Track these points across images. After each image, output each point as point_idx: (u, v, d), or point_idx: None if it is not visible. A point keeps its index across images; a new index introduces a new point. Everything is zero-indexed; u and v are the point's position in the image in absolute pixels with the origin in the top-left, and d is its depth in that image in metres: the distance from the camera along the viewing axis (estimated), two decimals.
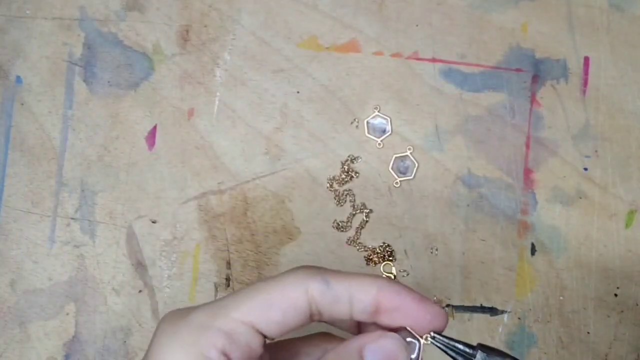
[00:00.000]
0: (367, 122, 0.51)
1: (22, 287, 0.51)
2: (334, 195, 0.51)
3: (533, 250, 0.50)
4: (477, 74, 0.51)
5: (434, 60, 0.52)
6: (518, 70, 0.51)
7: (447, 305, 0.50)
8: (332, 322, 0.34)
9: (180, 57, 0.52)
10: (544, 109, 0.51)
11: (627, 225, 0.50)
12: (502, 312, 0.49)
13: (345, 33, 0.52)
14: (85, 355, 0.51)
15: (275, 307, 0.30)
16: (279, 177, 0.51)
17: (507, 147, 0.51)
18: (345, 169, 0.51)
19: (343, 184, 0.51)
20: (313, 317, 0.32)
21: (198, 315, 0.31)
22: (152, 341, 0.31)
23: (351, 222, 0.51)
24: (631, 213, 0.50)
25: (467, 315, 0.49)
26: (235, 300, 0.31)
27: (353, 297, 0.31)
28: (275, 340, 0.32)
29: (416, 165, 0.51)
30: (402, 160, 0.50)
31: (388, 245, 0.50)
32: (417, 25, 0.52)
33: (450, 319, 0.49)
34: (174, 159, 0.52)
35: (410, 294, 0.31)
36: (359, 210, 0.51)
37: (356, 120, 0.51)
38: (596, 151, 0.50)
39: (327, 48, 0.52)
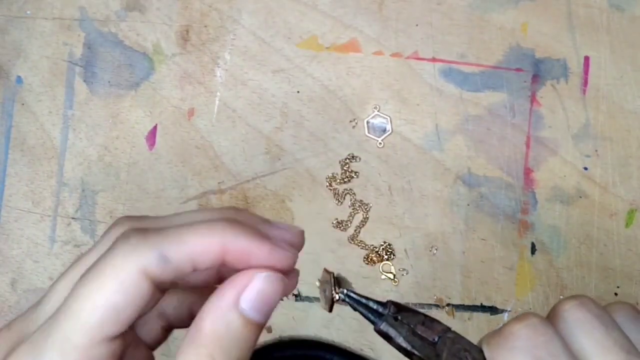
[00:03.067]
0: (367, 122, 0.51)
1: (23, 287, 0.51)
2: (334, 195, 0.51)
3: (533, 250, 0.50)
4: (477, 74, 0.51)
5: (434, 60, 0.52)
6: (518, 70, 0.51)
7: (448, 305, 0.50)
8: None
9: (180, 57, 0.52)
10: (544, 108, 0.51)
11: (627, 225, 0.50)
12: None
13: (345, 33, 0.52)
14: None
15: (108, 308, 0.25)
16: (279, 177, 0.51)
17: (507, 147, 0.51)
18: (345, 169, 0.51)
19: (343, 183, 0.51)
20: (160, 289, 0.27)
21: (15, 322, 0.27)
22: None
23: (351, 221, 0.51)
24: (631, 212, 0.50)
25: (467, 314, 0.49)
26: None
27: (197, 262, 0.26)
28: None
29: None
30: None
31: (389, 245, 0.50)
32: (417, 25, 0.52)
33: (450, 317, 0.49)
34: (174, 159, 0.52)
35: (255, 241, 0.27)
36: (358, 209, 0.51)
37: (355, 120, 0.51)
38: (596, 150, 0.50)
39: (327, 48, 0.52)
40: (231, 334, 0.26)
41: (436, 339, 0.29)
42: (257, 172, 0.51)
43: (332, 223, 0.51)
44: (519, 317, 0.27)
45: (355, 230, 0.51)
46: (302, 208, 0.51)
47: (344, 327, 0.50)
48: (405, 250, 0.50)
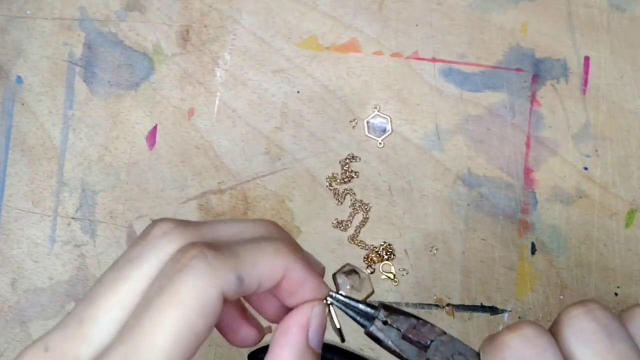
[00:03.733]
0: (367, 122, 0.51)
1: (23, 287, 0.51)
2: (334, 194, 0.51)
3: (533, 250, 0.50)
4: (477, 74, 0.51)
5: (434, 60, 0.52)
6: (518, 70, 0.51)
7: (448, 305, 0.50)
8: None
9: (180, 57, 0.52)
10: (544, 108, 0.51)
11: (627, 225, 0.50)
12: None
13: (345, 33, 0.52)
14: None
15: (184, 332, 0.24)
16: (279, 177, 0.51)
17: (507, 147, 0.51)
18: (345, 169, 0.51)
19: (343, 183, 0.51)
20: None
21: (54, 342, 0.25)
22: None
23: (351, 221, 0.51)
24: (631, 212, 0.50)
25: (467, 314, 0.49)
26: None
27: (263, 284, 0.26)
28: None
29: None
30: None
31: (389, 245, 0.50)
32: (417, 25, 0.52)
33: (450, 317, 0.49)
34: (174, 159, 0.52)
35: (309, 273, 0.28)
36: (359, 209, 0.51)
37: (355, 120, 0.51)
38: (596, 150, 0.50)
39: (327, 48, 0.52)
40: None
41: (429, 343, 0.28)
42: (257, 172, 0.51)
43: (332, 223, 0.51)
44: (513, 326, 0.26)
45: (355, 230, 0.51)
46: (302, 208, 0.51)
47: (343, 327, 0.50)
48: (405, 250, 0.50)
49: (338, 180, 0.51)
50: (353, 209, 0.51)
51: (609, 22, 0.51)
